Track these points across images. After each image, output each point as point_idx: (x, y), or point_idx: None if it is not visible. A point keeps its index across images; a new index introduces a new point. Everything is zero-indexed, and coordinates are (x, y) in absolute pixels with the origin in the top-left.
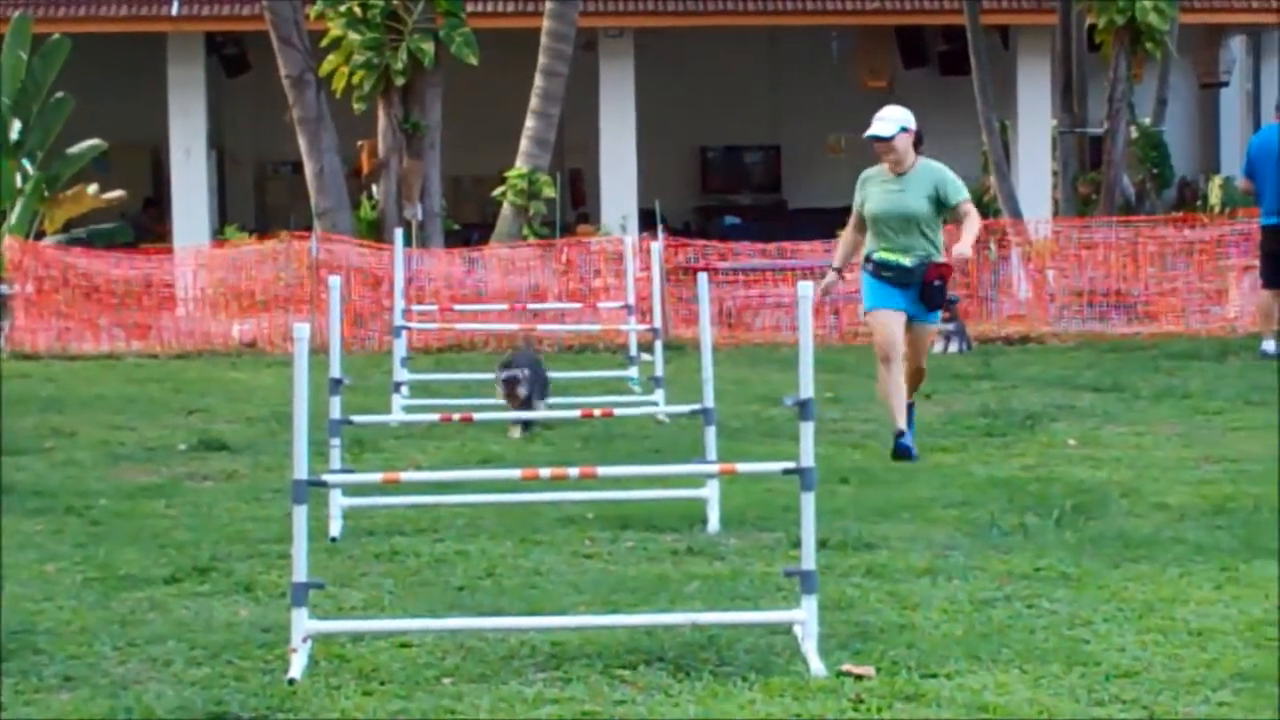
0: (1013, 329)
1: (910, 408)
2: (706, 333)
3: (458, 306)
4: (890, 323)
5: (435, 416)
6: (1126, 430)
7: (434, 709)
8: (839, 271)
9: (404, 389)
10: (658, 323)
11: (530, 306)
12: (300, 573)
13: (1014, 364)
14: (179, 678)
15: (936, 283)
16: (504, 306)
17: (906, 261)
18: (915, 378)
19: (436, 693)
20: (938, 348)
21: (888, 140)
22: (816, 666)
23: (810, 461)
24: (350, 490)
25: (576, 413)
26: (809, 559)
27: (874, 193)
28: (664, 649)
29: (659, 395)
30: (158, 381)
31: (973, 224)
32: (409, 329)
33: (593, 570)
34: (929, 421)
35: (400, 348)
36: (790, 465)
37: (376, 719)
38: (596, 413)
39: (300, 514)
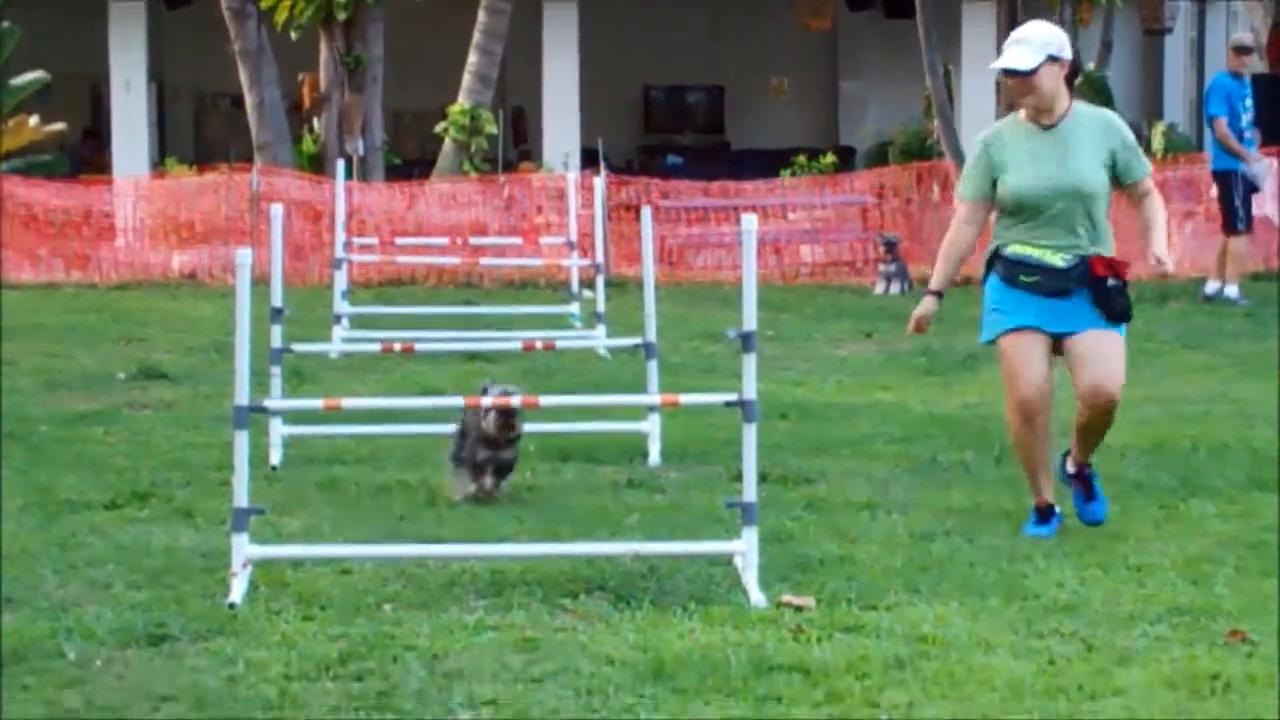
0: None
1: (1085, 476)
2: (649, 267)
3: (399, 240)
4: (1031, 357)
5: (376, 347)
6: (1063, 372)
7: (374, 634)
8: (939, 295)
9: (344, 321)
10: (600, 258)
11: (472, 242)
12: (241, 498)
13: (955, 305)
14: (119, 600)
15: (1112, 281)
16: (445, 241)
17: (1058, 261)
18: (1097, 429)
19: (377, 619)
20: (879, 289)
21: (1028, 76)
22: (756, 597)
23: (753, 394)
24: (290, 419)
25: (518, 345)
26: (750, 491)
27: (1017, 160)
28: (605, 578)
29: (600, 330)
30: (97, 311)
31: (1159, 212)
32: (350, 262)
33: (534, 500)
34: (868, 360)
35: (341, 280)
36: (732, 397)
37: (317, 643)
38: (538, 345)
39: (241, 440)
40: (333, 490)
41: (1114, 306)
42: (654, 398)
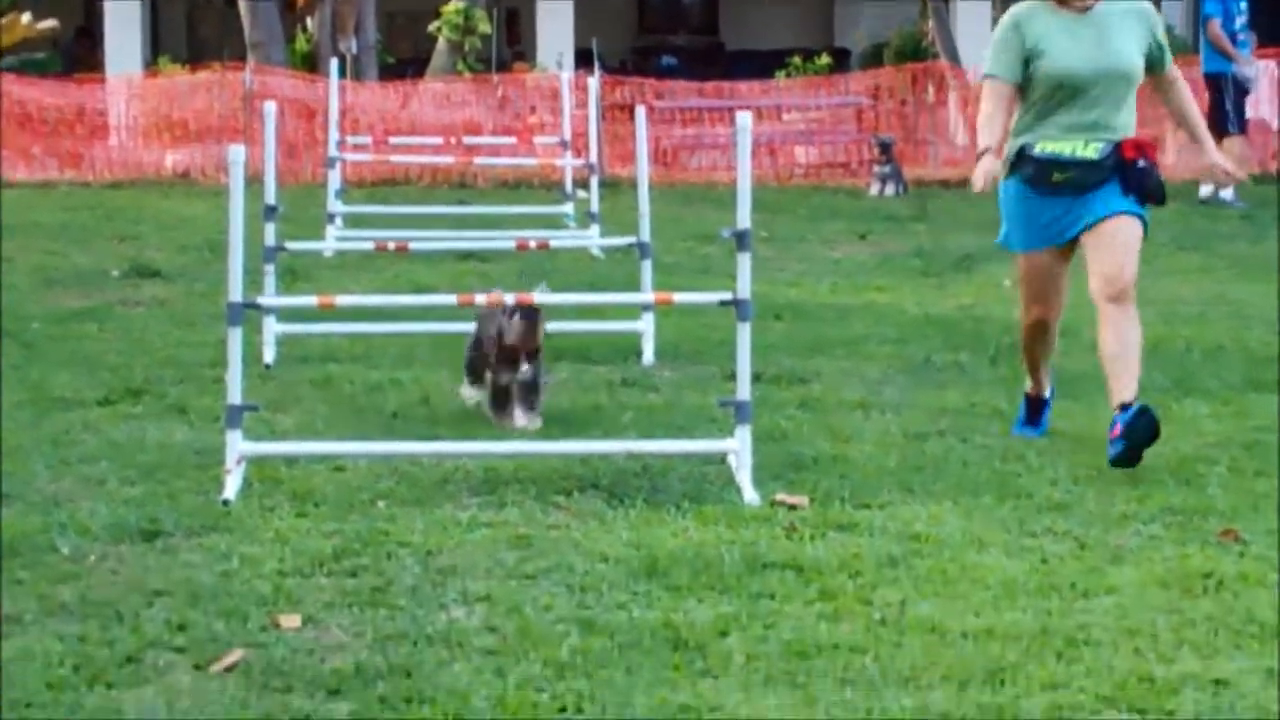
0: (949, 173)
1: (1137, 414)
2: (643, 166)
3: (392, 140)
4: (1050, 282)
5: (370, 245)
6: (1060, 278)
7: (368, 531)
8: (997, 150)
9: (338, 221)
10: (594, 158)
11: (465, 141)
12: (234, 395)
13: (949, 207)
14: (113, 496)
15: (1142, 162)
16: (439, 141)
17: (1091, 153)
18: (1118, 325)
19: (370, 515)
20: (873, 190)
21: None
22: (750, 496)
23: (747, 293)
24: (284, 316)
25: (512, 244)
26: (744, 390)
27: (1053, 40)
28: (598, 477)
29: (594, 230)
30: (90, 209)
31: (1193, 103)
32: (343, 161)
33: None
34: (863, 261)
35: (334, 179)
36: (727, 296)
37: (311, 540)
38: (532, 244)
39: (234, 336)
40: (326, 388)
41: (1145, 187)
42: (648, 296)
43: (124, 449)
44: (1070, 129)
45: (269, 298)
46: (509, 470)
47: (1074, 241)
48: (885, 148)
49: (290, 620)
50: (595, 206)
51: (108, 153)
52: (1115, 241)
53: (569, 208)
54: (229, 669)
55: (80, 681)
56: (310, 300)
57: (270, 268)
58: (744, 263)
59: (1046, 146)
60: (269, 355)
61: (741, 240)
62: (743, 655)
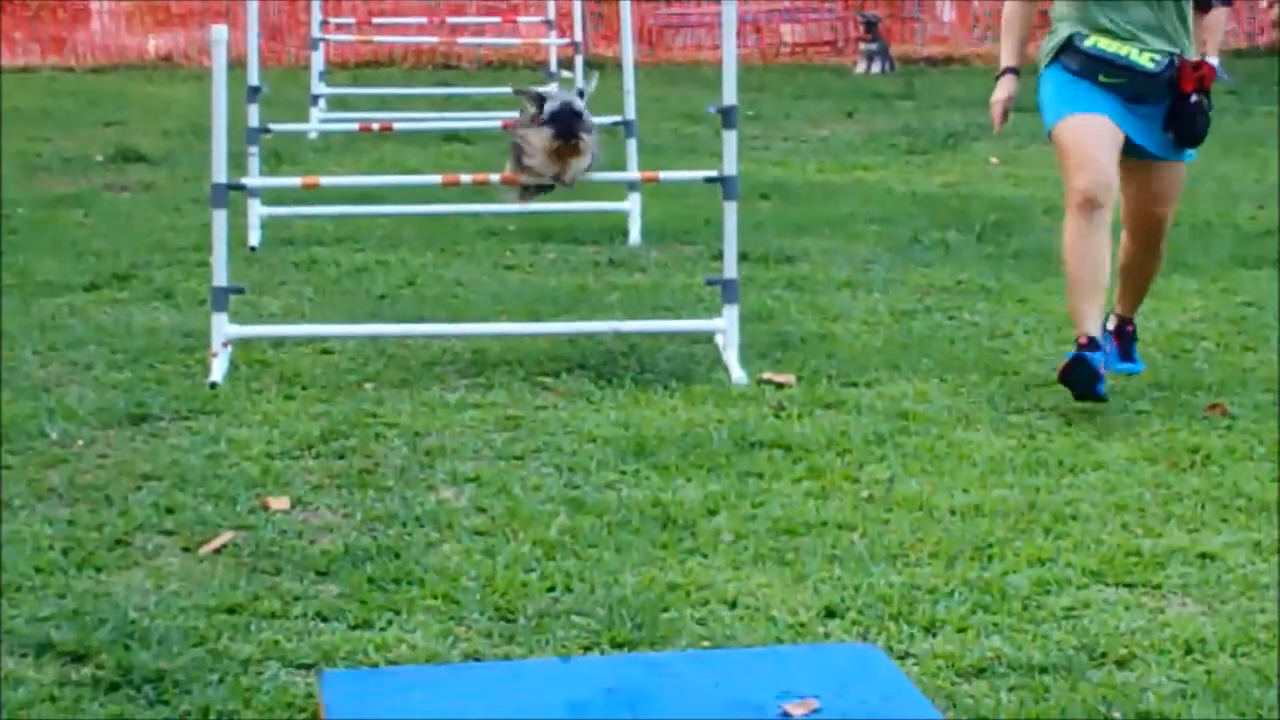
0: (935, 50)
1: (1127, 333)
2: (628, 44)
3: (375, 20)
4: (1100, 140)
5: (354, 127)
6: (1049, 149)
7: (355, 412)
8: (1016, 72)
9: (321, 103)
10: (578, 37)
11: (449, 20)
12: (220, 277)
13: (936, 85)
14: (100, 381)
15: (1195, 98)
16: (423, 20)
17: (1147, 62)
18: (1143, 262)
19: (358, 397)
20: (860, 68)
21: None
22: (737, 374)
23: (733, 170)
24: (269, 199)
25: (498, 124)
26: (730, 268)
27: None
28: (585, 357)
29: None
30: (73, 95)
31: (1219, 12)
32: (326, 42)
33: (514, 281)
34: (849, 140)
35: (318, 61)
36: (713, 174)
37: (299, 422)
38: None
39: (219, 218)
40: (312, 270)
41: (1192, 129)
42: (634, 175)
43: (111, 334)
44: (1120, 30)
45: (253, 179)
46: (496, 351)
47: (1121, 142)
48: (871, 25)
49: (279, 502)
50: (580, 85)
51: (90, 37)
52: (1157, 177)
53: (554, 87)
54: (218, 551)
55: (70, 565)
56: (294, 181)
57: (254, 149)
58: (730, 140)
59: (1098, 42)
60: (254, 238)
61: (727, 117)
62: (731, 533)
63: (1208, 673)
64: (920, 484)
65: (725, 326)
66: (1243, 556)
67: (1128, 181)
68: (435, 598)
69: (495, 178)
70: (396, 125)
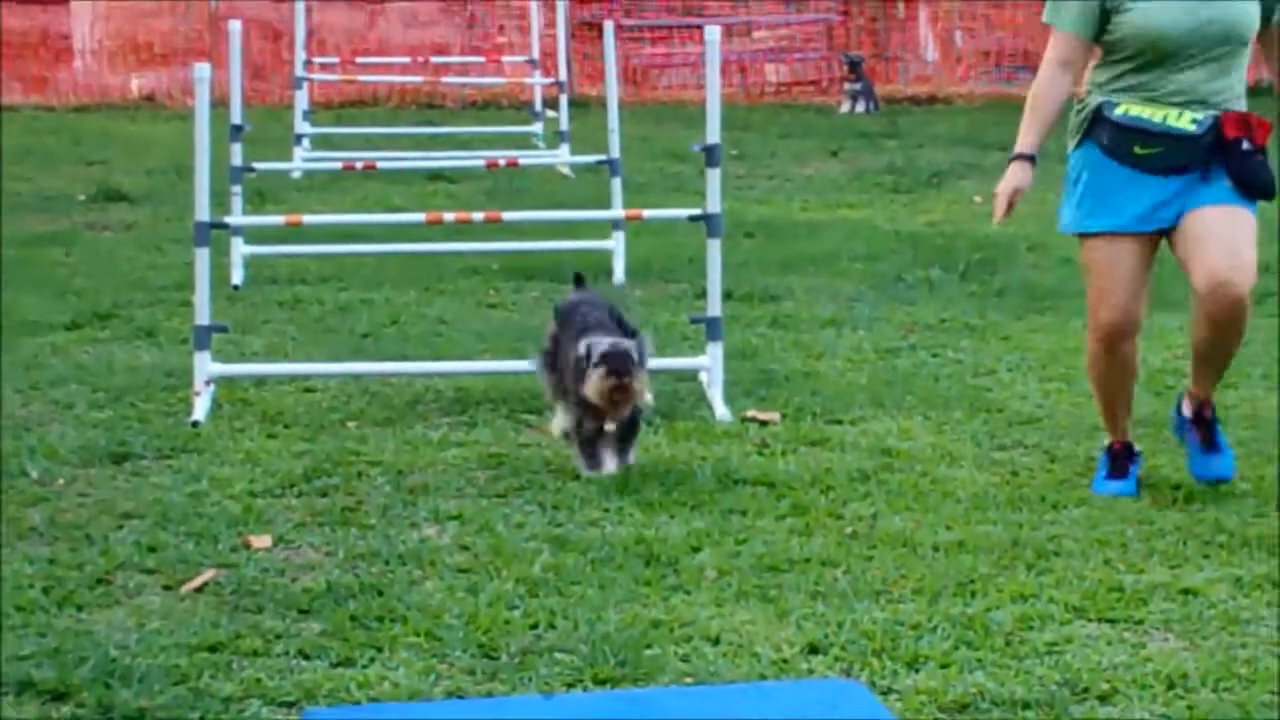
0: (919, 89)
1: (1206, 419)
2: (612, 82)
3: (360, 60)
4: (1123, 274)
5: (338, 166)
6: (1032, 188)
7: (338, 451)
8: (1031, 161)
9: (305, 142)
10: (563, 76)
11: (433, 60)
12: (203, 315)
13: (920, 123)
14: (81, 420)
15: (1247, 144)
16: (407, 60)
17: (1187, 125)
18: (1222, 344)
19: (341, 435)
20: (844, 107)
21: None
22: (721, 412)
23: (717, 208)
24: (252, 238)
25: (481, 163)
26: (714, 306)
27: None
28: None
29: (564, 149)
30: (55, 134)
31: None
32: (310, 81)
33: (497, 319)
34: (834, 178)
35: (301, 100)
36: (696, 212)
37: (281, 460)
38: (501, 162)
39: (202, 256)
40: (295, 309)
41: (1250, 177)
42: (618, 213)
43: (92, 372)
44: (1163, 96)
45: (236, 217)
46: (480, 389)
47: (1161, 234)
48: (855, 65)
49: (261, 540)
50: (565, 125)
51: (72, 76)
52: (1222, 236)
53: (538, 127)
54: (200, 589)
55: (50, 603)
56: (278, 219)
57: (237, 188)
58: (713, 178)
59: (1130, 110)
60: (237, 277)
61: (711, 155)
62: (714, 570)
63: (1189, 707)
64: (904, 520)
65: (709, 364)
66: (1225, 592)
67: (1189, 249)
68: (418, 635)
69: (479, 216)
70: (380, 164)
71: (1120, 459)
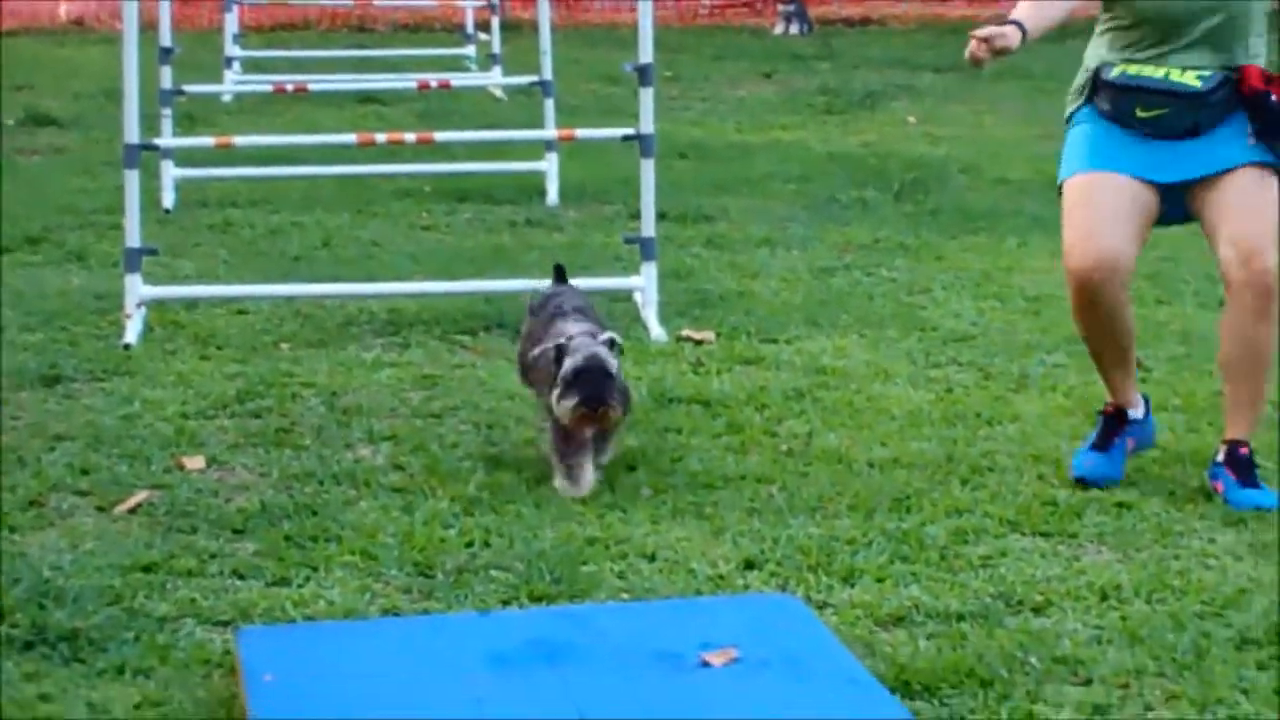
0: (853, 10)
1: (1238, 451)
2: (545, 5)
3: None
4: (1100, 208)
5: (268, 88)
6: (966, 109)
7: (271, 372)
8: (1022, 30)
9: (235, 65)
10: None
11: None
12: (133, 238)
13: (854, 45)
14: (13, 344)
15: (1276, 96)
16: None
17: (1190, 81)
18: (1252, 339)
19: (274, 357)
20: (778, 29)
21: None
22: (656, 332)
23: (650, 128)
24: (182, 160)
25: (413, 85)
26: (649, 226)
27: None
28: (503, 315)
29: (496, 71)
30: None
31: None
32: (240, 4)
33: (430, 241)
34: (767, 100)
35: (231, 23)
36: (630, 131)
37: (214, 382)
38: (433, 84)
39: (131, 179)
40: (227, 232)
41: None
42: (550, 133)
43: (23, 297)
44: (1163, 56)
45: (166, 139)
46: (413, 311)
47: (1162, 192)
48: None
49: (194, 461)
50: (497, 48)
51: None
52: (1243, 205)
53: (470, 50)
54: (133, 510)
55: None
56: (208, 141)
57: (167, 111)
58: (646, 98)
59: (1128, 69)
60: (168, 200)
61: (644, 75)
62: (650, 488)
63: (1123, 618)
64: (838, 437)
65: (644, 284)
66: (1157, 505)
67: (1209, 218)
68: (353, 554)
69: (411, 137)
70: (311, 87)
71: (1108, 427)
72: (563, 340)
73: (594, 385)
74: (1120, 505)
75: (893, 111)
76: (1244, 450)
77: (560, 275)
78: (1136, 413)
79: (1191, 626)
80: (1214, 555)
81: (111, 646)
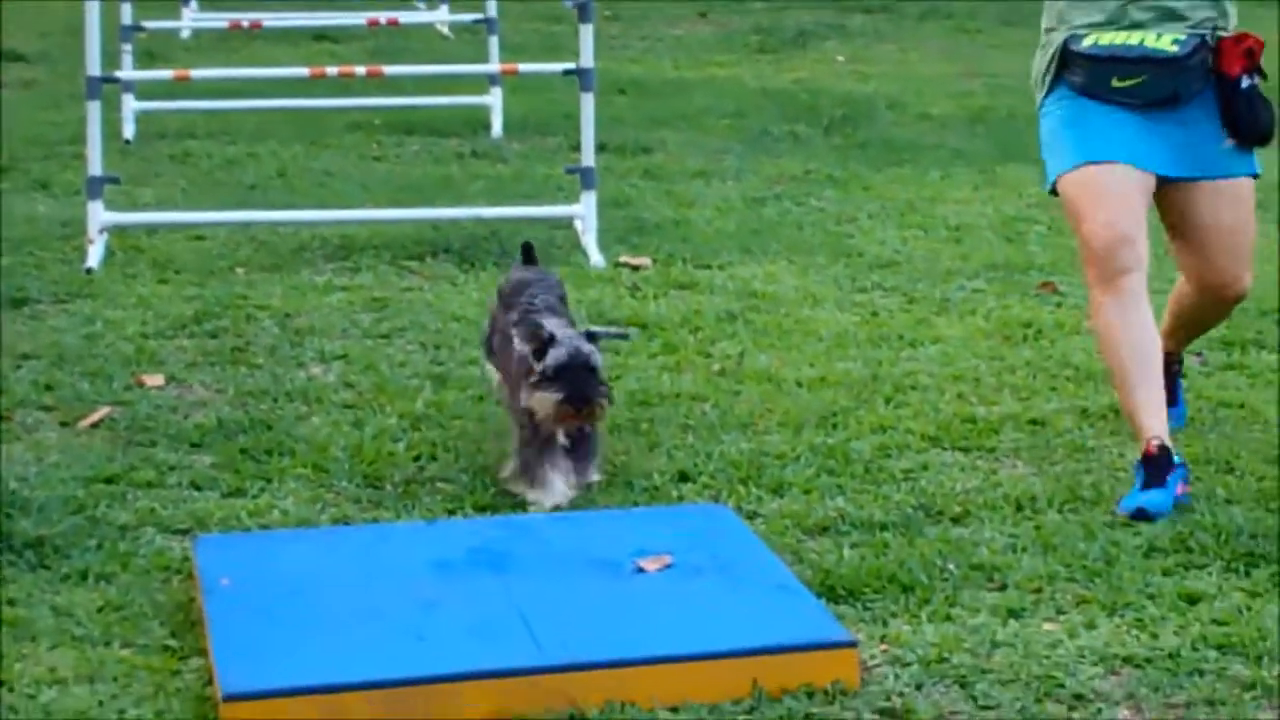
0: None
1: (1171, 368)
2: None
3: None
4: (1110, 192)
5: (225, 24)
6: (893, 48)
7: (228, 296)
8: None
9: (193, 2)
10: None
11: None
12: (95, 167)
13: None
14: None
15: (1247, 80)
16: None
17: (1168, 45)
18: (1202, 317)
19: (230, 281)
20: None
21: None
22: (596, 258)
23: (590, 63)
24: (142, 94)
25: (363, 21)
26: (588, 157)
27: None
28: (449, 242)
29: (443, 9)
30: None
31: None
32: None
33: (380, 171)
34: (703, 39)
35: None
36: (570, 66)
37: (172, 304)
38: (382, 20)
39: (93, 110)
40: (185, 162)
41: (1249, 121)
42: (494, 68)
43: None
44: (1135, 18)
45: (126, 72)
46: (363, 237)
47: (1157, 178)
48: None
49: (154, 379)
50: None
51: None
52: (1222, 225)
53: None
54: (95, 425)
55: None
56: (166, 74)
57: (128, 47)
58: (586, 34)
59: (1100, 39)
60: (128, 131)
61: (584, 11)
62: None
63: (1037, 528)
64: (769, 358)
65: (584, 212)
66: (1070, 422)
67: (1183, 231)
68: (305, 467)
69: (361, 70)
70: (266, 23)
71: (1157, 464)
72: (544, 333)
73: (579, 382)
74: (1035, 422)
75: (823, 50)
76: (1176, 366)
77: (529, 255)
78: (1179, 455)
79: (1101, 536)
80: (1123, 469)
81: (75, 553)
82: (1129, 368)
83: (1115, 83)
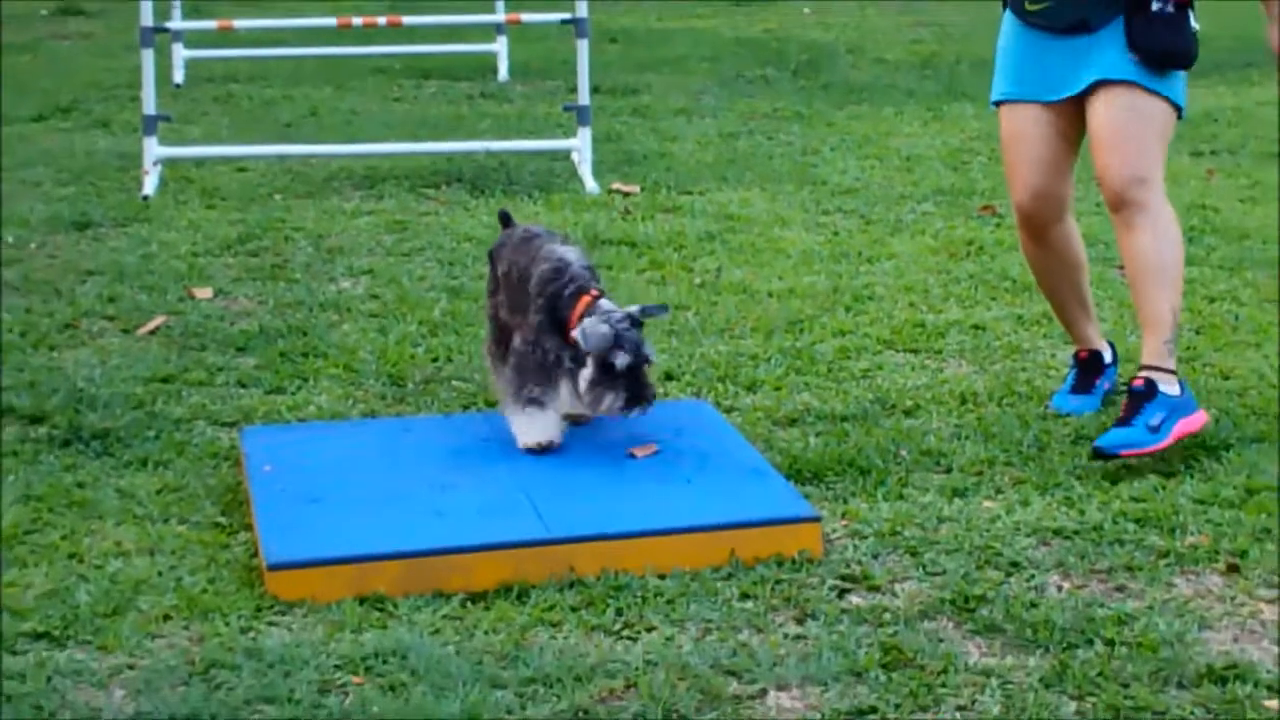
0: None
1: (1096, 375)
2: None
3: None
4: (1025, 147)
5: None
6: (853, 3)
7: (267, 219)
8: None
9: None
10: None
11: None
12: (149, 107)
13: None
14: (48, 195)
15: (1158, 5)
16: None
17: None
18: (1122, 233)
19: (269, 206)
20: None
21: None
22: (591, 185)
23: (584, 13)
24: (190, 43)
25: None
26: (584, 96)
27: None
28: (462, 172)
29: None
30: None
31: None
32: None
33: (400, 110)
34: None
35: None
36: (568, 16)
37: (219, 227)
38: None
39: (147, 56)
40: (228, 103)
41: (1147, 36)
42: (499, 18)
43: (56, 156)
44: None
45: (176, 23)
46: (386, 168)
47: (1075, 102)
48: None
49: (203, 292)
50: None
51: None
52: (1106, 124)
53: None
54: (152, 332)
55: (26, 345)
56: (210, 24)
57: (177, 1)
58: None
59: None
60: (179, 76)
61: None
62: None
63: (978, 419)
64: (743, 273)
65: (580, 145)
66: (1008, 327)
67: (1092, 139)
68: (337, 368)
69: (382, 20)
70: None
71: (1083, 368)
72: (607, 318)
73: (641, 382)
74: (977, 327)
75: (791, 4)
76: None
77: (506, 222)
78: (1108, 356)
79: (1035, 425)
80: (1055, 368)
81: (136, 443)
82: (1059, 291)
83: (1028, 5)
